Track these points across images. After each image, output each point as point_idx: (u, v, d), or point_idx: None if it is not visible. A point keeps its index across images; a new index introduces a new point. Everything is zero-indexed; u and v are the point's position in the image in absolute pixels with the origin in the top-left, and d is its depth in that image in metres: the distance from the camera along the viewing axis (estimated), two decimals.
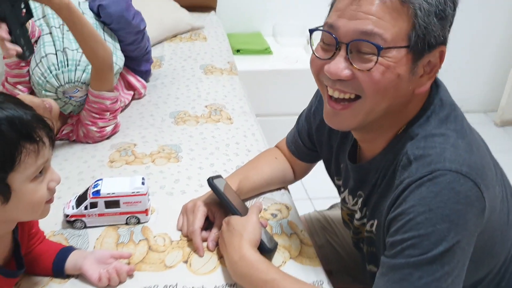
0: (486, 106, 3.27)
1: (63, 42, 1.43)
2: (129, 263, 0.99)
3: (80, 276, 0.95)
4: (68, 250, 0.98)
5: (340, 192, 1.11)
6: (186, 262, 1.01)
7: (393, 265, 0.80)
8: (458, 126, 0.85)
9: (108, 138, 1.46)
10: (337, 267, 1.39)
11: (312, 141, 1.17)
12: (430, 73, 0.83)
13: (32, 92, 1.45)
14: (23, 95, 1.34)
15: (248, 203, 1.19)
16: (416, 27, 0.77)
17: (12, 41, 1.08)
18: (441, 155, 0.79)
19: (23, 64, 1.41)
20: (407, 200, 0.79)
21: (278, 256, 1.05)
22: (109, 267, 0.93)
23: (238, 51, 2.56)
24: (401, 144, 0.86)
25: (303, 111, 1.20)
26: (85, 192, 1.09)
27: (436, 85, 0.90)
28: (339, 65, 0.81)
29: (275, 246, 1.05)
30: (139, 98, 1.71)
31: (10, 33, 1.07)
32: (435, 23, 0.78)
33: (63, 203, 1.12)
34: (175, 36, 2.24)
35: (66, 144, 1.44)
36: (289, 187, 1.33)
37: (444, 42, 0.81)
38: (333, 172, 1.12)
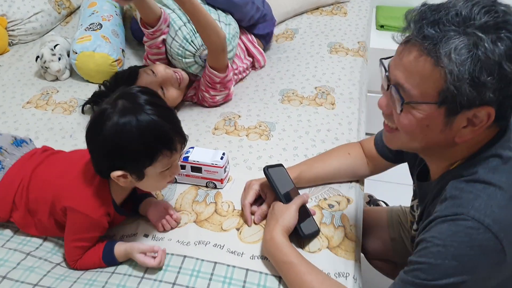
0: None
1: (185, 15, 1.68)
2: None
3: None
4: (143, 196, 1.28)
5: (412, 199, 1.21)
6: (238, 229, 1.25)
7: (403, 279, 0.93)
8: (504, 177, 0.88)
9: (221, 104, 1.72)
10: (403, 260, 1.49)
11: None
12: (476, 126, 0.87)
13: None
14: (160, 65, 1.65)
15: (312, 190, 1.36)
16: (445, 88, 0.83)
17: None
18: (470, 202, 0.86)
19: (161, 45, 1.71)
20: (430, 230, 0.90)
21: (317, 243, 1.21)
22: (164, 217, 1.23)
23: (382, 26, 2.57)
24: (448, 179, 0.95)
25: None
26: (180, 156, 1.38)
27: (500, 134, 0.92)
28: (384, 101, 0.95)
29: (313, 234, 1.21)
30: (260, 68, 1.91)
31: None
32: (465, 89, 0.81)
33: None
34: (317, 8, 2.35)
35: (188, 106, 1.75)
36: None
37: (488, 103, 0.83)
38: (413, 177, 1.22)
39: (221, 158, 1.33)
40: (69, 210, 1.11)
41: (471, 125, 0.87)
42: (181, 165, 1.35)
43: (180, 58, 1.68)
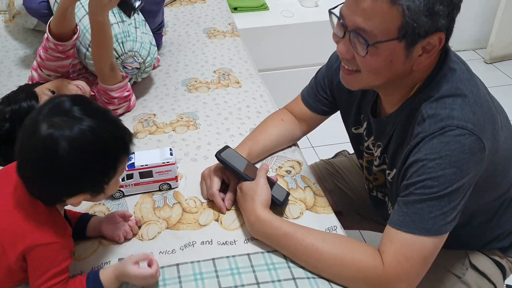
0: (476, 44, 3.37)
1: (118, 14, 1.54)
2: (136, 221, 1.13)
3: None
4: (85, 217, 1.12)
5: (363, 141, 1.25)
6: (217, 220, 1.16)
7: (407, 201, 0.96)
8: (464, 85, 0.98)
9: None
10: (347, 208, 1.56)
11: (331, 94, 1.30)
12: (429, 52, 0.95)
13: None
14: (59, 81, 1.43)
15: (262, 163, 1.33)
16: (404, 23, 0.89)
17: None
18: (449, 114, 0.95)
19: (63, 57, 1.46)
20: (421, 150, 0.95)
21: (296, 208, 1.20)
22: (122, 227, 1.10)
23: (235, 9, 2.62)
24: (416, 104, 1.01)
25: (321, 68, 1.33)
26: None
27: (445, 52, 1.02)
28: (343, 47, 0.97)
29: (286, 198, 1.19)
30: (152, 69, 1.80)
31: None
32: (422, 19, 0.89)
33: None
34: (174, 0, 2.30)
35: None
36: None
37: (440, 29, 0.92)
38: (352, 122, 1.27)
39: (171, 154, 1.22)
40: (30, 251, 0.90)
41: (425, 52, 0.96)
42: (127, 175, 1.20)
43: None
